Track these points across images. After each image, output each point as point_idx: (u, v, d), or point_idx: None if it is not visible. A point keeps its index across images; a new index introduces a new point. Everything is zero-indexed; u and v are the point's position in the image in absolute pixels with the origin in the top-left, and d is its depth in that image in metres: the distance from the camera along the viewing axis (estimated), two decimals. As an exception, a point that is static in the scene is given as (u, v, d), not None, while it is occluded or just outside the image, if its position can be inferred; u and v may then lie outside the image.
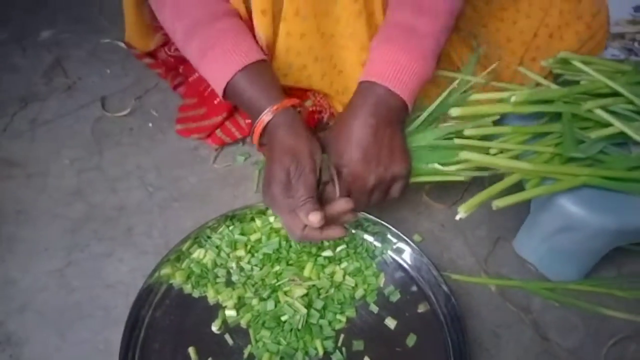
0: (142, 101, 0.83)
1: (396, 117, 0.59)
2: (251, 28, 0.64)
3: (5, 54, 0.88)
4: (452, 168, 0.61)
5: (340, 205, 0.55)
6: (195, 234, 0.62)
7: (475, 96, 0.62)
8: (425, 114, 0.63)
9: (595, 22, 0.82)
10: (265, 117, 0.57)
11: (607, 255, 0.65)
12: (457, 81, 0.64)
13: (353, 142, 0.58)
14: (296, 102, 0.60)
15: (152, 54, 0.87)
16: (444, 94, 0.63)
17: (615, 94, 0.65)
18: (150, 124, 0.80)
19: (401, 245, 0.64)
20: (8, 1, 1.00)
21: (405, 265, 0.64)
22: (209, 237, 0.64)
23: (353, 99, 0.61)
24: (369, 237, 0.66)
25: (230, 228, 0.64)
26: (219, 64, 0.60)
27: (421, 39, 0.59)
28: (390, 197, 0.61)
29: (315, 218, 0.50)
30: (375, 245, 0.66)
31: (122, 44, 0.90)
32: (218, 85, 0.61)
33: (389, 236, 0.65)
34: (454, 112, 0.61)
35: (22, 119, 0.78)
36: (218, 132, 0.75)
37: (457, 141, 0.60)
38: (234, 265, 0.62)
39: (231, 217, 0.65)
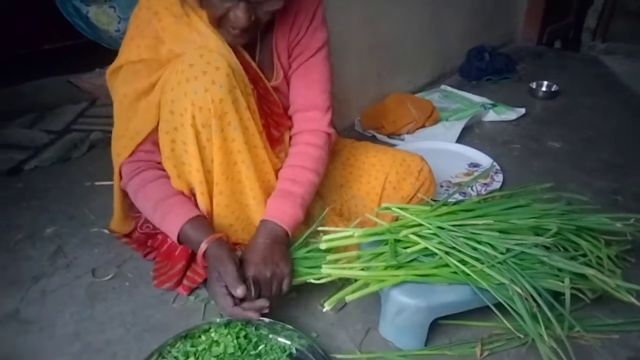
0: (121, 268, 1.18)
1: (281, 239, 0.98)
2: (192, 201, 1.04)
3: (21, 249, 1.23)
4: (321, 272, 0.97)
5: (259, 302, 0.90)
6: (159, 349, 0.92)
7: (331, 235, 1.01)
8: (300, 240, 1.03)
9: (421, 175, 1.25)
10: (203, 246, 0.94)
11: (440, 329, 0.99)
12: (311, 230, 1.05)
13: (256, 251, 0.95)
14: (222, 235, 0.97)
15: (127, 235, 1.24)
16: (308, 232, 1.03)
17: (421, 224, 1.05)
18: (127, 283, 1.13)
19: (303, 341, 0.95)
20: (19, 210, 1.39)
21: (306, 353, 0.94)
22: (169, 352, 0.93)
23: (256, 231, 1.00)
24: (281, 339, 0.97)
25: (184, 343, 0.94)
26: (173, 222, 0.98)
27: (294, 198, 1.02)
28: (284, 290, 0.95)
29: (240, 291, 0.86)
30: (285, 343, 0.96)
31: (106, 231, 1.28)
32: (173, 233, 0.97)
33: (295, 336, 0.96)
34: (323, 245, 1.00)
35: (35, 292, 1.10)
36: (185, 282, 1.09)
37: (324, 268, 0.97)
38: (187, 369, 0.91)
39: (184, 336, 0.95)
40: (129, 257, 1.21)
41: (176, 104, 0.94)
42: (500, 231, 1.04)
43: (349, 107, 1.86)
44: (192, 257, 1.09)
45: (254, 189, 1.04)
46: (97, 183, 1.51)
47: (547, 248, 1.03)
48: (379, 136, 1.85)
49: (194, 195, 1.04)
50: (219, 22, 0.93)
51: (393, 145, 1.77)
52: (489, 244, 1.01)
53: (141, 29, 0.99)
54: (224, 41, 0.96)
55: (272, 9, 0.92)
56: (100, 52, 2.46)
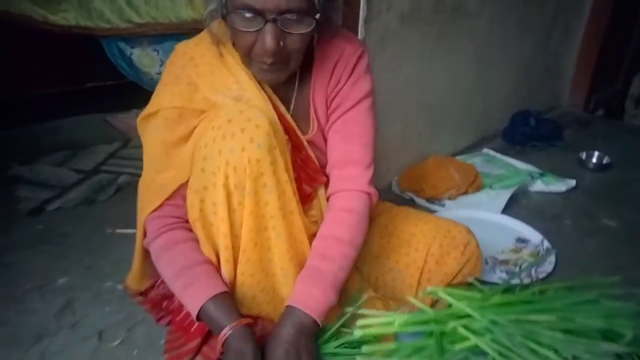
0: (131, 333, 1.07)
1: (308, 330, 0.86)
2: (219, 270, 0.94)
3: (28, 300, 1.15)
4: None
5: None
6: None
7: (367, 320, 0.89)
8: (330, 331, 0.90)
9: (467, 250, 1.11)
10: (226, 332, 0.83)
11: None
12: (343, 319, 0.93)
13: (279, 344, 0.83)
14: (249, 321, 0.86)
15: (142, 293, 1.14)
16: (340, 321, 0.91)
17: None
18: (135, 352, 1.02)
19: None
20: (34, 254, 1.32)
21: None
22: None
23: (280, 318, 0.88)
24: None
25: None
26: (195, 295, 0.87)
27: (325, 277, 0.90)
28: None
29: None
30: None
31: (120, 287, 1.19)
32: (194, 308, 0.86)
33: None
34: (357, 332, 0.88)
35: (35, 353, 1.00)
36: (198, 358, 0.96)
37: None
38: None
39: None
40: (140, 320, 1.10)
41: (209, 162, 0.86)
42: (564, 331, 0.90)
43: (387, 167, 1.77)
44: (209, 332, 0.98)
45: (283, 259, 0.93)
46: (117, 231, 1.43)
47: (619, 357, 0.88)
48: (417, 200, 1.73)
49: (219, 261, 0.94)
50: (249, 56, 0.87)
51: (433, 211, 1.65)
52: (551, 346, 0.87)
53: (175, 75, 0.94)
54: (261, 90, 0.91)
55: (299, 32, 0.83)
56: (140, 94, 2.48)
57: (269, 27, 0.80)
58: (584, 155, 2.15)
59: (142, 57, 2.45)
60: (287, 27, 0.82)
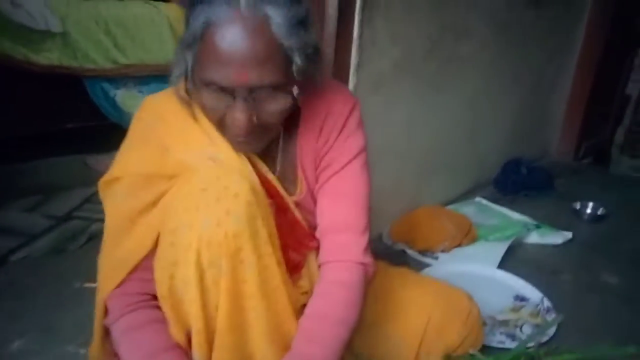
0: (91, 407, 0.94)
1: None
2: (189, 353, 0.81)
3: (-24, 367, 1.02)
4: None
5: None
6: None
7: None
8: None
9: (469, 321, 1.02)
10: None
11: None
12: None
13: None
14: None
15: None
16: None
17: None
18: None
19: None
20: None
21: None
22: None
23: None
24: None
25: None
26: None
27: None
28: None
29: None
30: None
31: (83, 351, 1.06)
32: None
33: None
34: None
35: None
36: None
37: None
38: None
39: None
40: (103, 392, 0.98)
41: (179, 236, 0.75)
42: (578, 413, 0.80)
43: (378, 217, 1.67)
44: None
45: (262, 343, 0.81)
46: (86, 285, 1.32)
47: None
48: (409, 251, 1.65)
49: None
50: (220, 128, 0.78)
51: (426, 264, 1.57)
52: None
53: (143, 134, 0.83)
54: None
55: (276, 109, 0.74)
56: (122, 135, 2.40)
57: (239, 104, 0.71)
58: (578, 206, 2.10)
59: (125, 97, 2.39)
60: (261, 102, 0.73)
